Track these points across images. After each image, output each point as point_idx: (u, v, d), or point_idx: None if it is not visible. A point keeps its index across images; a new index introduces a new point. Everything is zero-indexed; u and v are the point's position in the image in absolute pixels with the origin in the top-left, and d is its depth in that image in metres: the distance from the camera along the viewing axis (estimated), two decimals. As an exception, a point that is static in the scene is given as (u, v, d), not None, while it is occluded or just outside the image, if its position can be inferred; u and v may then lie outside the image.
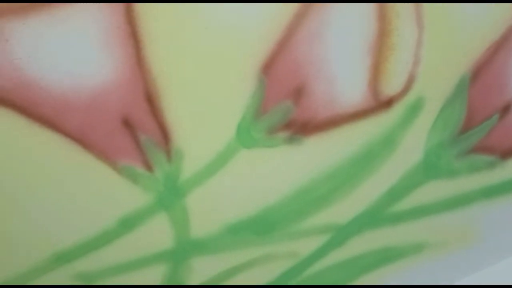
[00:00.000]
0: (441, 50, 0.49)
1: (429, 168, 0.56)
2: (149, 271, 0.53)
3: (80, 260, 0.50)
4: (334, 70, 0.47)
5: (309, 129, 0.49)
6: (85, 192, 0.46)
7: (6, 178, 0.43)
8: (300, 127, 0.49)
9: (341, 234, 0.58)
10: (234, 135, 0.47)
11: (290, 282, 0.59)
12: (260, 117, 0.47)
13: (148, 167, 0.46)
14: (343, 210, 0.56)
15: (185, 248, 0.53)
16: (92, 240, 0.49)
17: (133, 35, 0.40)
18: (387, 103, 0.50)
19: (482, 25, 0.49)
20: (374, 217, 0.58)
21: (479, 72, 0.51)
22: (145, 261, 0.52)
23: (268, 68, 0.44)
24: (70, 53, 0.39)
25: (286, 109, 0.47)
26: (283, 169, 0.52)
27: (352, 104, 0.49)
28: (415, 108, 0.51)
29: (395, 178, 0.56)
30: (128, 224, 0.49)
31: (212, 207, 0.51)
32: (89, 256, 0.50)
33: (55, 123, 0.41)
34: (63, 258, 0.49)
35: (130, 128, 0.43)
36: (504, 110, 0.54)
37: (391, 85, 0.49)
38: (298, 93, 0.46)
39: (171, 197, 0.49)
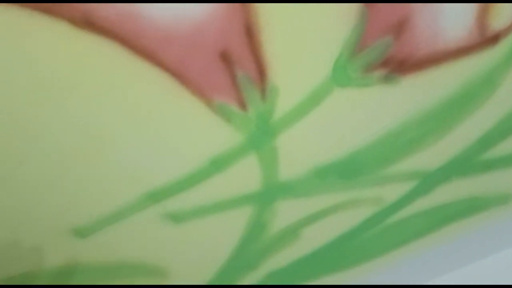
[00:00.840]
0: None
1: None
2: (234, 213, 0.53)
3: (170, 199, 0.50)
4: (440, 2, 0.43)
5: (407, 67, 0.47)
6: (179, 130, 0.45)
7: (104, 114, 0.43)
8: (398, 65, 0.46)
9: (428, 182, 0.56)
10: (330, 73, 0.45)
11: (373, 229, 0.58)
12: (357, 54, 0.45)
13: (242, 105, 0.45)
14: (432, 156, 0.54)
15: (272, 191, 0.52)
16: (183, 180, 0.48)
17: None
18: (493, 39, 0.46)
19: None
20: (464, 164, 0.56)
21: None
22: (232, 203, 0.52)
23: (371, -1, 0.42)
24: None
25: (385, 45, 0.44)
26: (375, 110, 0.50)
27: (455, 39, 0.46)
28: (523, 45, 0.48)
29: (491, 123, 0.53)
30: (218, 164, 0.48)
31: (301, 149, 0.50)
32: (179, 196, 0.50)
33: (155, 55, 0.40)
34: (154, 197, 0.49)
35: (228, 62, 0.42)
36: None
37: (500, 19, 0.45)
38: (400, 27, 0.44)
39: (262, 138, 0.48)
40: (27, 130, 0.42)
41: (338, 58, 0.45)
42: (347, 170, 0.52)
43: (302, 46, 0.43)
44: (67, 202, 0.48)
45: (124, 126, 0.45)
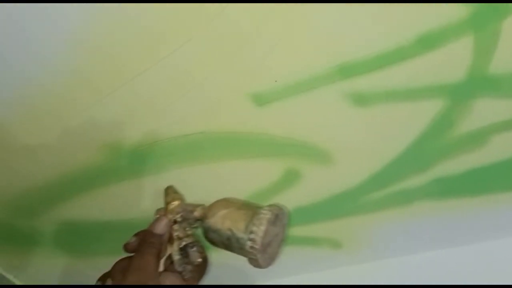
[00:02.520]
0: None
1: None
2: (423, 105, 0.48)
3: (360, 78, 0.45)
4: None
5: None
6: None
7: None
8: None
9: None
10: None
11: None
12: None
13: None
14: None
15: (475, 84, 0.46)
16: (382, 56, 0.43)
17: None
18: None
19: None
20: None
21: None
22: (425, 92, 0.47)
23: None
24: None
25: None
26: None
27: None
28: None
29: None
30: (426, 42, 0.42)
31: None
32: (370, 75, 0.45)
33: None
34: (344, 71, 0.45)
35: None
36: None
37: None
38: None
39: (486, 17, 0.40)
40: None
41: None
42: None
43: None
44: (250, 65, 0.46)
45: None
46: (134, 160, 0.56)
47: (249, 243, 0.43)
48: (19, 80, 0.47)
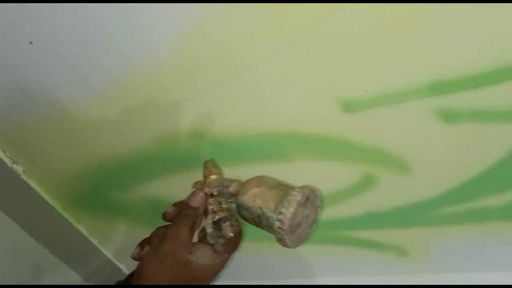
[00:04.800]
0: None
1: None
2: (508, 129, 0.48)
3: (452, 95, 0.46)
4: None
5: None
6: (500, 14, 0.40)
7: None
8: None
9: None
10: None
11: None
12: None
13: None
14: None
15: None
16: (480, 76, 0.44)
17: None
18: None
19: None
20: None
21: None
22: (510, 116, 0.47)
23: None
24: None
25: None
26: None
27: None
28: None
29: None
30: (524, 68, 0.43)
31: None
32: (463, 94, 0.46)
33: None
34: (436, 88, 0.46)
35: None
36: None
37: None
38: None
39: None
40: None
41: None
42: None
43: None
44: (344, 73, 0.48)
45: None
46: (217, 150, 0.60)
47: (277, 223, 0.43)
48: (128, 67, 0.52)
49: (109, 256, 0.83)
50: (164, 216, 0.50)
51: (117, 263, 0.84)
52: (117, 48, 0.51)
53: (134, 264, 0.48)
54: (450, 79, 0.45)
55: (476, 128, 0.49)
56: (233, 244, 0.50)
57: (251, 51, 0.48)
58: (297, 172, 0.59)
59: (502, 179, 0.53)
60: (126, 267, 0.85)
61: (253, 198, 0.46)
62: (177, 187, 0.66)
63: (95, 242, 0.81)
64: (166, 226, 0.49)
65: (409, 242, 0.66)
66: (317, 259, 0.72)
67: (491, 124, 0.48)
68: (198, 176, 0.57)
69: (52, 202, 0.74)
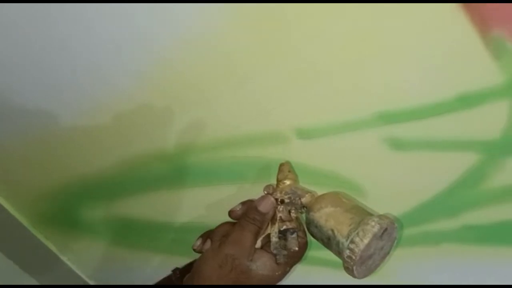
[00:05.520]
0: None
1: None
2: (457, 156, 0.50)
3: (400, 125, 0.48)
4: None
5: None
6: (438, 55, 0.42)
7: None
8: None
9: None
10: None
11: None
12: None
13: (520, 44, 0.40)
14: None
15: (509, 145, 0.47)
16: (423, 109, 0.46)
17: None
18: None
19: None
20: None
21: None
22: (461, 145, 0.49)
23: None
24: None
25: None
26: None
27: None
28: None
29: None
30: (466, 101, 0.45)
31: None
32: (410, 124, 0.48)
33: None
34: (385, 118, 0.48)
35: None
36: None
37: None
38: None
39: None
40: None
41: None
42: None
43: None
44: (295, 101, 0.50)
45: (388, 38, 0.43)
46: (182, 172, 0.61)
47: (347, 252, 0.40)
48: (129, 71, 0.51)
49: (79, 272, 0.83)
50: (231, 214, 0.49)
51: (87, 279, 0.85)
52: (98, 68, 0.51)
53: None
54: (395, 111, 0.48)
55: (425, 156, 0.51)
56: (296, 257, 0.48)
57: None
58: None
59: (453, 203, 0.55)
60: (95, 282, 0.86)
61: (326, 218, 0.43)
62: (146, 206, 0.68)
63: (64, 258, 0.81)
64: (231, 224, 0.48)
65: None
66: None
67: (438, 152, 0.50)
68: (167, 195, 0.57)
69: (21, 218, 0.74)
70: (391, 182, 0.55)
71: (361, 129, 0.50)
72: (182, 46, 0.47)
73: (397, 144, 0.51)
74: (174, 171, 0.61)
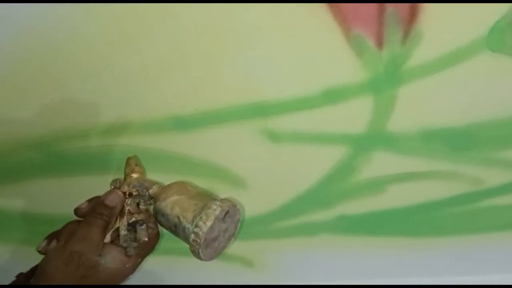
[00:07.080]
0: None
1: None
2: (330, 149, 0.52)
3: (274, 117, 0.49)
4: None
5: None
6: (304, 52, 0.44)
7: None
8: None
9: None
10: (486, 33, 0.41)
11: (462, 207, 0.55)
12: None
13: (379, 43, 0.43)
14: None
15: (374, 139, 0.50)
16: (292, 102, 0.48)
17: None
18: None
19: None
20: None
21: None
22: (331, 138, 0.51)
23: None
24: None
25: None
26: (512, 85, 0.45)
27: None
28: None
29: None
30: (330, 96, 0.47)
31: (420, 105, 0.47)
32: (283, 117, 0.49)
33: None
34: (258, 110, 0.49)
35: (382, -7, 0.39)
36: None
37: None
38: None
39: (386, 82, 0.45)
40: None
41: (499, 21, 0.41)
42: (458, 141, 0.49)
43: (465, -2, 0.39)
44: (175, 92, 0.49)
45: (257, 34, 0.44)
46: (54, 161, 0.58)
47: (192, 236, 0.42)
48: None
49: None
50: (77, 212, 0.47)
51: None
52: None
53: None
54: (269, 103, 0.48)
55: (299, 149, 0.53)
56: (146, 248, 0.48)
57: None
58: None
59: (327, 195, 0.58)
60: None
61: (171, 206, 0.45)
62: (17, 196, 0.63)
63: None
64: (78, 221, 0.46)
65: (253, 253, 0.68)
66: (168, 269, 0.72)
67: (312, 145, 0.52)
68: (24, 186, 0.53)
69: None
70: (270, 174, 0.56)
71: (237, 119, 0.50)
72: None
73: (273, 136, 0.52)
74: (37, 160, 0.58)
